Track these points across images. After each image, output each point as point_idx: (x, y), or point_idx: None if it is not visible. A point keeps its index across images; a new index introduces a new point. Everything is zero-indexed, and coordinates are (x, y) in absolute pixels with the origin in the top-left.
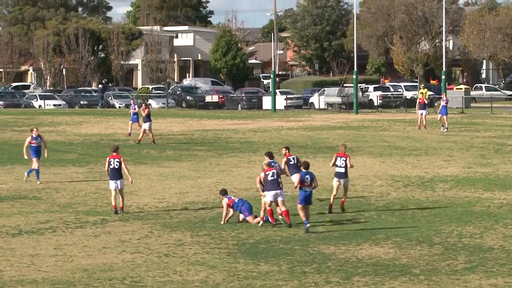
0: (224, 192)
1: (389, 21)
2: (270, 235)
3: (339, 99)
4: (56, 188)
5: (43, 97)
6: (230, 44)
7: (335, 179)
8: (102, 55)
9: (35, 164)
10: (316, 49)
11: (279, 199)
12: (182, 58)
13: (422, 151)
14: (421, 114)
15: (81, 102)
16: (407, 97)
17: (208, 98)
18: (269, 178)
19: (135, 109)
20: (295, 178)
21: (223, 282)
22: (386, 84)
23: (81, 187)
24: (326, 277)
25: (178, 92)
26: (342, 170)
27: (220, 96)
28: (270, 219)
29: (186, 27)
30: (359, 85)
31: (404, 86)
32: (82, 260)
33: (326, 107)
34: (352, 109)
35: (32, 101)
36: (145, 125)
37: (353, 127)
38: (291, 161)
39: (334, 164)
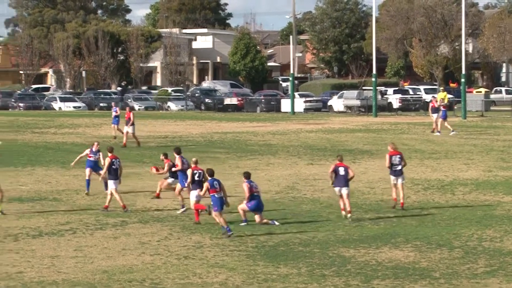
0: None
1: (408, 24)
2: (289, 237)
3: (358, 102)
4: (76, 190)
5: (63, 99)
6: (249, 46)
7: (392, 177)
8: (122, 58)
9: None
10: (335, 52)
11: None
12: (201, 61)
13: (442, 155)
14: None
15: (101, 104)
16: (426, 100)
17: (227, 101)
18: (196, 178)
19: (116, 112)
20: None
21: (242, 285)
22: (405, 87)
23: (101, 189)
24: (345, 280)
25: (197, 95)
26: (399, 167)
27: (239, 98)
28: (195, 217)
29: (205, 30)
30: (378, 88)
31: (423, 89)
32: (102, 261)
33: (345, 110)
34: (371, 112)
35: (52, 103)
36: (128, 129)
37: (372, 130)
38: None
39: (390, 163)
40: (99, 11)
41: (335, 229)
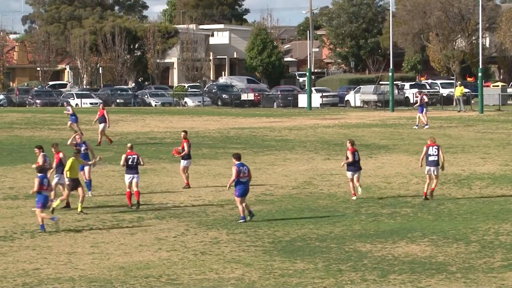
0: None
1: (425, 18)
2: (306, 232)
3: (375, 97)
4: (93, 186)
5: (79, 96)
6: (265, 42)
7: (427, 167)
8: (138, 54)
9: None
10: (351, 47)
11: (134, 181)
12: (218, 57)
13: (459, 149)
14: (423, 113)
15: (117, 101)
16: (443, 94)
17: (244, 96)
18: (129, 162)
19: (69, 111)
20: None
21: (259, 280)
22: (423, 81)
23: (118, 185)
24: (362, 275)
25: (213, 90)
26: (435, 158)
27: (256, 94)
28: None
29: (221, 26)
30: (395, 82)
31: (440, 83)
32: (118, 258)
33: (361, 105)
34: (388, 106)
35: (69, 100)
36: (100, 126)
37: (389, 125)
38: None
39: (426, 154)
40: (116, 7)
41: (352, 224)
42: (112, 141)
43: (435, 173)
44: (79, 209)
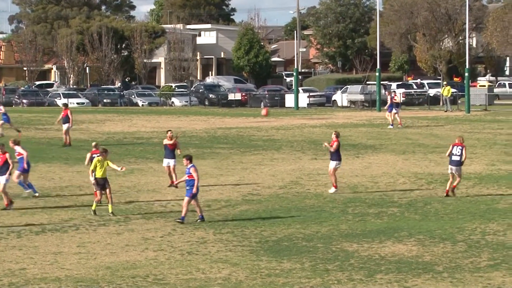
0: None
1: (412, 18)
2: (293, 232)
3: (362, 97)
4: (79, 186)
5: (66, 95)
6: (252, 42)
7: (450, 166)
8: (125, 53)
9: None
10: (339, 47)
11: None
12: (205, 56)
13: (446, 149)
14: (395, 113)
15: (104, 100)
16: (430, 94)
17: (231, 96)
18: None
19: (1, 110)
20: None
21: (246, 280)
22: (410, 81)
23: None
24: (348, 274)
25: (201, 90)
26: (458, 158)
27: (243, 94)
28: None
29: (209, 25)
30: (382, 82)
31: (427, 83)
32: (105, 257)
33: (349, 105)
34: (375, 106)
35: (55, 100)
36: (64, 126)
37: (376, 125)
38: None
39: (450, 153)
40: (103, 7)
41: (339, 224)
42: (71, 145)
43: (457, 173)
44: (110, 210)
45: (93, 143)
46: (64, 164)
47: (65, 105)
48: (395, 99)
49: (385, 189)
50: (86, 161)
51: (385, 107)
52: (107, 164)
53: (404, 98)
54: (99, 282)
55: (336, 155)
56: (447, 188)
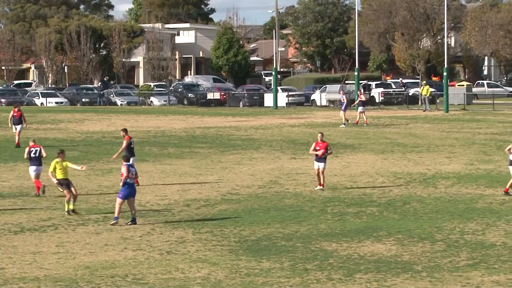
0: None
1: (390, 18)
2: (272, 232)
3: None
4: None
5: (45, 95)
6: (231, 41)
7: (510, 167)
8: (104, 53)
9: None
10: (317, 46)
11: (37, 172)
12: (184, 56)
13: (424, 148)
14: (361, 111)
15: (83, 100)
16: (409, 93)
17: (210, 96)
18: (32, 154)
19: None
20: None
21: (225, 279)
22: (388, 81)
23: (83, 184)
24: (328, 274)
25: (179, 90)
26: None
27: (222, 93)
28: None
29: (187, 25)
30: (361, 82)
31: (406, 82)
32: (84, 257)
33: (327, 104)
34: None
35: (34, 99)
36: (17, 127)
37: (355, 124)
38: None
39: (509, 150)
40: (82, 6)
41: (318, 223)
42: (20, 146)
43: None
44: (71, 207)
45: (32, 139)
46: (43, 163)
47: (19, 106)
48: (361, 97)
49: (364, 188)
50: (25, 155)
51: (342, 107)
52: (67, 165)
53: (382, 98)
54: (78, 282)
55: (323, 157)
56: (507, 187)
